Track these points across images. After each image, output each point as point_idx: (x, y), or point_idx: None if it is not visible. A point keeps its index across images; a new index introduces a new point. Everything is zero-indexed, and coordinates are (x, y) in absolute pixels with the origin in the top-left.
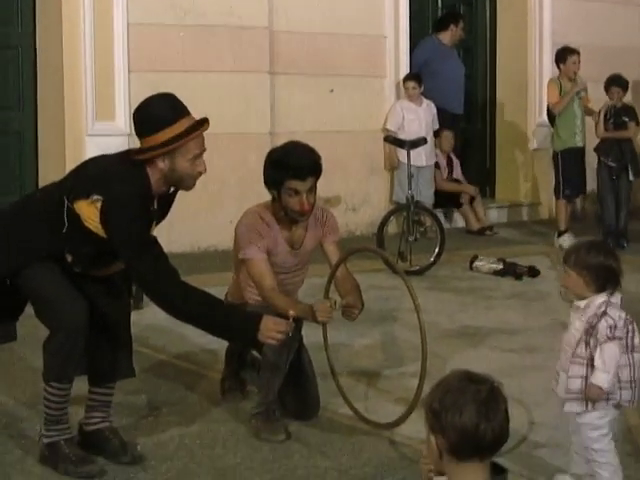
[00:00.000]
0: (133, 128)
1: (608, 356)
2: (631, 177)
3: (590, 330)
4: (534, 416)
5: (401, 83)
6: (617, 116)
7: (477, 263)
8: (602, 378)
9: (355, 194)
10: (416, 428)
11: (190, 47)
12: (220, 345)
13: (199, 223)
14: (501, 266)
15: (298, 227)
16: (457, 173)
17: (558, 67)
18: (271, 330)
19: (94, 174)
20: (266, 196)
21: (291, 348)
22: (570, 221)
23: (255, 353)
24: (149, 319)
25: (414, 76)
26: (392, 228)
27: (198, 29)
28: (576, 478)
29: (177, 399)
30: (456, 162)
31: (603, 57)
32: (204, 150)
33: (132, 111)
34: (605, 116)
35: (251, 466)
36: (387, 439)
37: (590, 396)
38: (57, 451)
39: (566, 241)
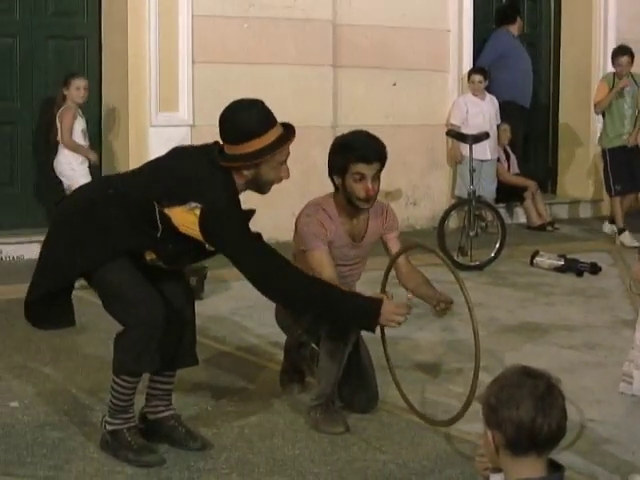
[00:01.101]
0: (218, 132)
1: None
2: None
3: None
4: (594, 414)
5: (464, 77)
6: None
7: (538, 259)
8: None
9: (417, 188)
10: (473, 424)
11: (253, 39)
12: (280, 337)
13: (261, 216)
14: (562, 262)
15: (360, 220)
16: (513, 167)
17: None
18: (392, 313)
19: (187, 180)
20: (328, 188)
21: (349, 340)
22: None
23: (314, 346)
24: (210, 310)
25: (481, 70)
26: (453, 223)
27: (262, 21)
28: None
29: (237, 390)
30: (513, 156)
31: None
32: (288, 155)
33: (195, 101)
34: None
35: (310, 458)
36: (445, 434)
37: None
38: (119, 439)
39: (627, 238)
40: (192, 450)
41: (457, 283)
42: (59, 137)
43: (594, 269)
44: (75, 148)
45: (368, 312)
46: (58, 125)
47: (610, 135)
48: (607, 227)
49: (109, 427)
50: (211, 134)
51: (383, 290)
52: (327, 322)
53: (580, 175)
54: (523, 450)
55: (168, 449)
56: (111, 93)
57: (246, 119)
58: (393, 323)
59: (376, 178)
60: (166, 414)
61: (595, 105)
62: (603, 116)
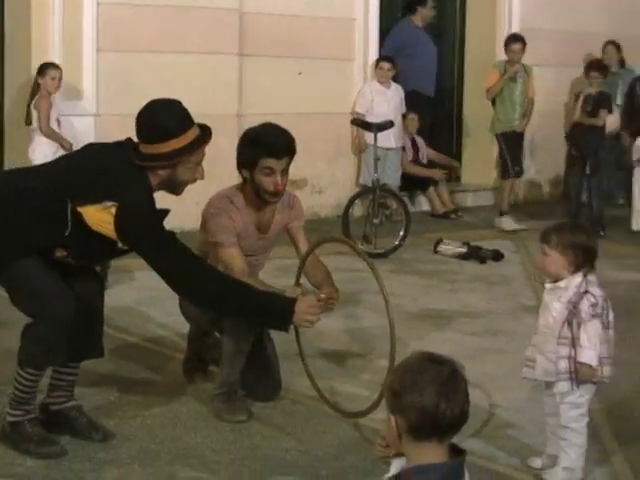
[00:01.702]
0: (124, 123)
1: (593, 334)
2: (587, 171)
3: (573, 310)
4: (496, 399)
5: (370, 66)
6: (595, 104)
7: (442, 246)
8: (590, 356)
9: (322, 176)
10: (377, 411)
11: (159, 27)
12: (185, 327)
13: (165, 205)
14: (465, 249)
15: (267, 211)
16: (422, 155)
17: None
18: (307, 313)
19: (101, 179)
20: (233, 178)
21: (253, 329)
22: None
23: (217, 334)
24: (114, 300)
25: (389, 58)
26: (358, 211)
27: (168, 9)
28: (551, 459)
29: (140, 380)
30: (421, 144)
31: (570, 42)
32: (204, 157)
33: (99, 90)
34: (584, 103)
35: (212, 446)
36: (349, 421)
37: (582, 375)
38: (20, 431)
39: (504, 222)
40: (94, 441)
41: (372, 273)
42: (34, 125)
43: (497, 256)
44: (52, 135)
45: (282, 312)
46: (34, 113)
47: (502, 120)
48: (497, 222)
49: (10, 418)
50: (116, 124)
51: (297, 283)
52: (240, 319)
53: (484, 163)
54: (426, 435)
55: (70, 440)
56: (14, 80)
57: (164, 119)
58: (307, 323)
59: (285, 172)
60: (68, 405)
61: (487, 91)
62: (494, 103)
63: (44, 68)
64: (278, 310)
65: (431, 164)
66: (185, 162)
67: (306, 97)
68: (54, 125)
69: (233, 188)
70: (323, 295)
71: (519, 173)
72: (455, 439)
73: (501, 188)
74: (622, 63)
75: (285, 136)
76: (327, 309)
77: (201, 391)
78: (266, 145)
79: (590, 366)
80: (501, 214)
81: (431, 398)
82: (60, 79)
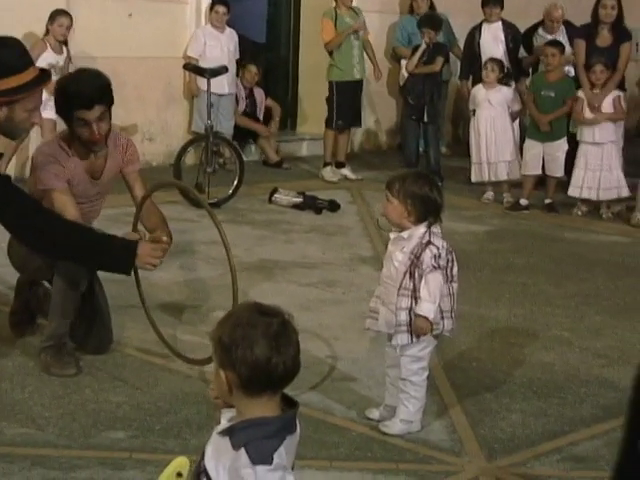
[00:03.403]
0: None
1: (433, 286)
2: (425, 119)
3: (415, 261)
4: (334, 350)
5: (203, 9)
6: (429, 55)
7: (276, 196)
8: (428, 308)
9: (153, 123)
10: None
11: None
12: (12, 277)
13: None
14: (301, 199)
15: (98, 156)
16: (260, 109)
17: None
18: (149, 256)
19: None
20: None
21: (84, 278)
22: (348, 155)
23: (47, 284)
24: None
25: (225, 1)
26: (190, 159)
27: None
28: (389, 411)
29: None
30: (260, 98)
31: None
32: (41, 102)
33: None
34: (421, 56)
35: (40, 402)
36: (182, 374)
37: (417, 327)
38: None
39: (325, 173)
40: None
41: (213, 222)
42: None
43: (333, 206)
44: None
45: (124, 255)
46: None
47: (342, 68)
48: (320, 173)
49: None
50: None
51: (135, 229)
52: (77, 264)
53: (320, 112)
54: (258, 390)
55: None
56: None
57: (5, 55)
58: (149, 265)
59: (103, 118)
60: None
61: (325, 44)
62: (331, 52)
63: (55, 14)
64: (120, 251)
65: (269, 114)
66: (24, 102)
67: (137, 40)
68: None
69: (62, 133)
70: (165, 238)
71: (340, 127)
72: (291, 393)
73: (324, 137)
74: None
75: (95, 84)
76: None
77: (29, 345)
78: (76, 96)
79: (426, 319)
80: (324, 164)
81: (263, 352)
82: (68, 28)
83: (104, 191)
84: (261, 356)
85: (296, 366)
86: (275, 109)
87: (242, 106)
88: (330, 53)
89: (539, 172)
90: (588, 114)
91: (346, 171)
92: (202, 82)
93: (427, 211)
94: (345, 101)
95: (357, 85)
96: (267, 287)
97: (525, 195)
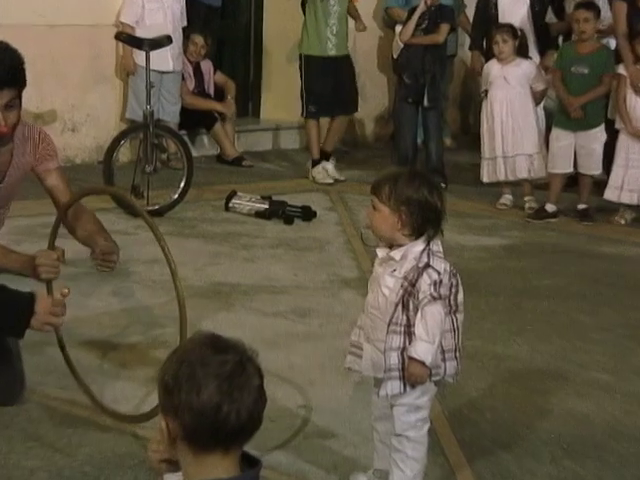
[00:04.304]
0: None
1: (432, 322)
2: (425, 103)
3: (409, 289)
4: (308, 398)
5: None
6: (431, 21)
7: (235, 202)
8: (425, 350)
9: (76, 109)
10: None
11: None
12: None
13: None
14: (266, 205)
15: (1, 152)
16: (209, 85)
17: None
18: (48, 314)
19: None
20: None
21: None
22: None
23: None
24: None
25: None
26: (124, 155)
27: None
28: (380, 476)
29: None
30: (208, 74)
31: None
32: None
33: None
34: (419, 22)
35: None
36: (114, 431)
37: (411, 375)
38: None
39: (315, 172)
40: None
41: (155, 237)
42: None
43: (307, 214)
44: None
45: (17, 316)
46: None
47: (311, 38)
48: (311, 173)
49: None
50: None
51: (52, 246)
52: None
53: (289, 94)
54: (206, 445)
55: None
56: None
57: None
58: (48, 327)
59: (12, 105)
60: None
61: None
62: (304, 12)
63: None
64: (11, 312)
65: (219, 94)
66: None
67: (56, 3)
68: None
69: None
70: (66, 290)
71: (313, 114)
72: (254, 450)
73: (305, 128)
74: None
75: (4, 63)
76: (105, 268)
77: None
78: None
79: (423, 364)
80: (313, 163)
81: (210, 397)
82: None
83: (9, 195)
84: (208, 402)
85: (254, 417)
86: (229, 86)
87: (191, 85)
88: (303, 12)
89: (570, 170)
90: (631, 96)
91: (328, 165)
92: (139, 56)
93: (425, 221)
94: (316, 82)
95: (334, 64)
96: (223, 318)
97: (552, 199)
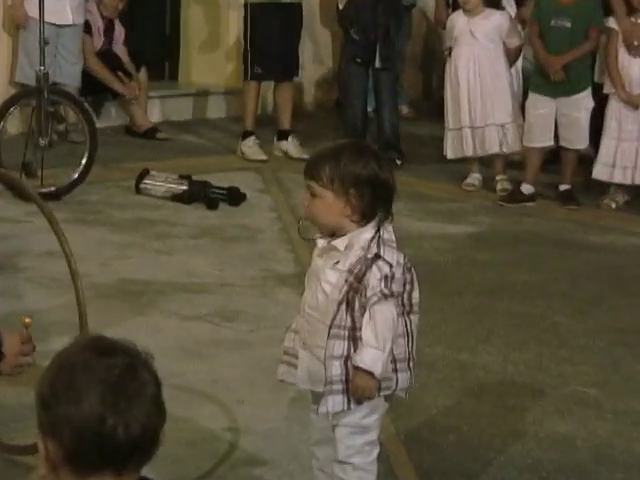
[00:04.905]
0: None
1: (382, 324)
2: (377, 63)
3: (355, 284)
4: (234, 417)
5: None
6: None
7: (148, 182)
8: (374, 358)
9: None
10: None
11: None
12: None
13: None
14: (185, 187)
15: None
16: (119, 49)
17: None
18: (20, 355)
19: None
20: None
21: None
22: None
23: None
24: None
25: None
26: (13, 126)
27: None
28: None
29: None
30: (120, 30)
31: None
32: None
33: None
34: None
35: None
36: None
37: (357, 388)
38: None
39: (245, 146)
40: None
41: (49, 223)
42: None
43: (234, 198)
44: None
45: None
46: None
47: None
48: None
49: None
50: None
51: None
52: None
53: (215, 50)
54: (92, 465)
55: None
56: None
57: None
58: (19, 369)
59: None
60: None
61: None
62: None
63: None
64: None
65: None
66: None
67: None
68: None
69: None
70: (28, 319)
71: (258, 76)
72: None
73: (243, 92)
74: None
75: None
76: None
77: None
78: None
79: (371, 375)
80: (244, 135)
81: (93, 408)
82: None
83: None
84: (90, 414)
85: (148, 433)
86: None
87: (98, 44)
88: None
89: (551, 143)
90: (623, 55)
91: (289, 145)
92: (31, 6)
93: (375, 204)
94: (263, 37)
95: (286, 14)
96: (134, 323)
97: (529, 178)
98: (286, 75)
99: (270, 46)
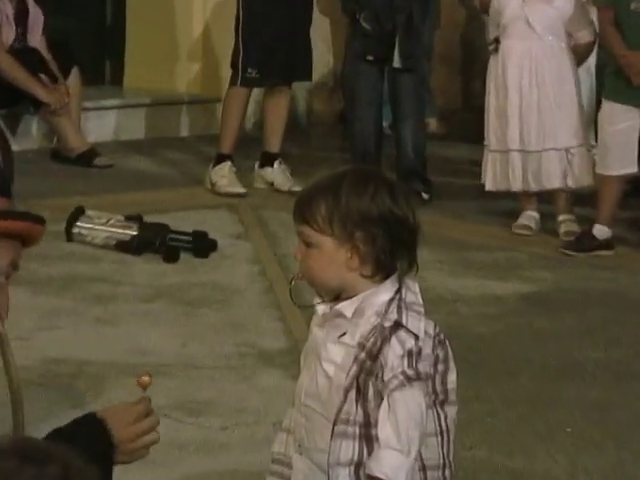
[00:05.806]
0: None
1: (406, 417)
2: (396, 62)
3: (369, 363)
4: None
5: None
6: None
7: (83, 225)
8: (395, 463)
9: None
10: None
11: None
12: None
13: None
14: (134, 232)
15: None
16: (35, 39)
17: None
18: (134, 435)
19: None
20: None
21: None
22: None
23: None
24: None
25: None
26: None
27: None
28: None
29: None
30: (36, 13)
31: None
32: None
33: None
34: None
35: None
36: None
37: None
38: None
39: (219, 175)
40: None
41: None
42: None
43: (202, 245)
44: None
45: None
46: None
47: None
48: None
49: None
50: None
51: None
52: None
53: (173, 49)
54: None
55: None
56: None
57: None
58: (145, 451)
59: None
60: None
61: None
62: None
63: None
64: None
65: (39, 63)
66: None
67: None
68: None
69: None
70: (147, 377)
71: (251, 82)
72: None
73: (226, 103)
74: None
75: None
76: None
77: None
78: None
79: None
80: (217, 159)
81: None
82: None
83: None
84: None
85: None
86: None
87: (10, 36)
88: None
89: (634, 169)
90: None
91: (276, 174)
92: None
93: (393, 253)
94: (262, 29)
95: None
96: (64, 417)
97: (604, 217)
98: (290, 77)
99: (271, 41)
